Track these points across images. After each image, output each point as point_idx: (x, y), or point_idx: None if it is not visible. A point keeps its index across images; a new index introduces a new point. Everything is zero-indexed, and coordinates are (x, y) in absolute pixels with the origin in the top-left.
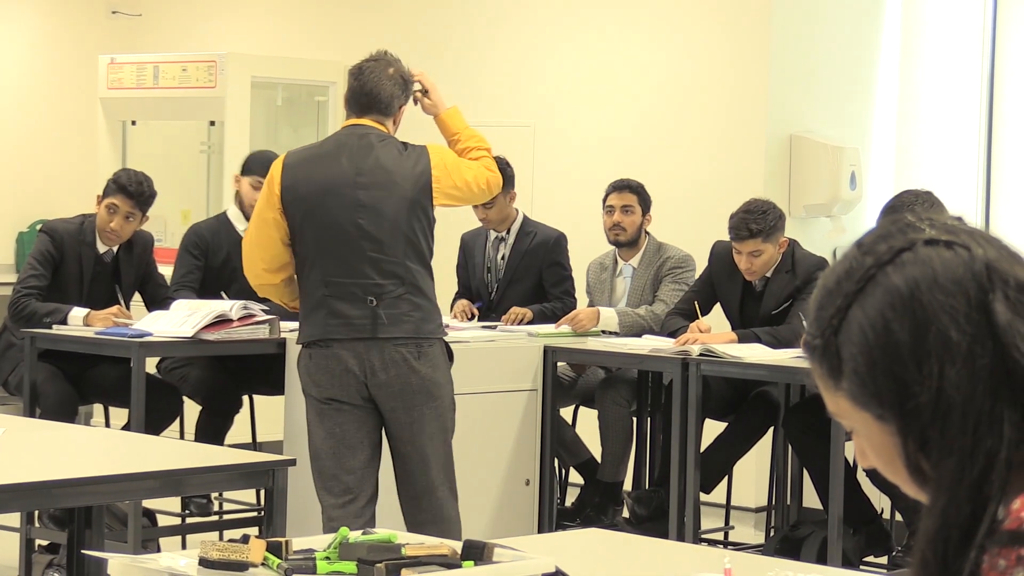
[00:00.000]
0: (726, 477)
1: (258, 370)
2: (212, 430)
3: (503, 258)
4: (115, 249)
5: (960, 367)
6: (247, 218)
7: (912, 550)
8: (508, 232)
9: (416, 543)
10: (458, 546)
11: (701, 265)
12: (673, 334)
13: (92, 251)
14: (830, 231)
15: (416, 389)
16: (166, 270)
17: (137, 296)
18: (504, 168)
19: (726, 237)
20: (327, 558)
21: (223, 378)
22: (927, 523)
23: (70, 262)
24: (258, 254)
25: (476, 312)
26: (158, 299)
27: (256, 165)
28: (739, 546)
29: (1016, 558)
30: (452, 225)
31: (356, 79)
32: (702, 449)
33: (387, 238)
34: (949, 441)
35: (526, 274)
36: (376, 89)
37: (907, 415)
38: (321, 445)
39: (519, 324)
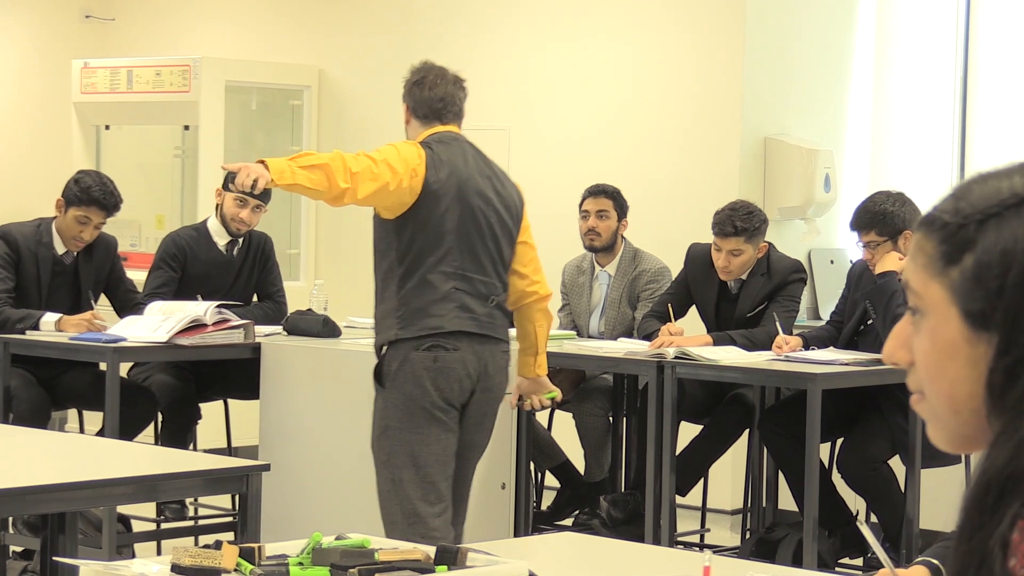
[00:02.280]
0: (702, 480)
1: (233, 375)
2: (171, 440)
3: None
4: (75, 252)
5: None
6: (229, 232)
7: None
8: None
9: (389, 548)
10: (431, 551)
11: (675, 270)
12: (648, 337)
13: (50, 253)
14: (805, 233)
15: (502, 396)
16: (140, 275)
17: (105, 301)
18: None
19: (701, 239)
20: (300, 563)
21: (185, 388)
22: (983, 464)
23: (28, 265)
24: (374, 189)
25: None
26: (128, 304)
27: None
28: (715, 549)
29: None
30: None
31: (432, 90)
32: (678, 452)
33: (503, 242)
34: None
35: None
36: (458, 97)
37: (1018, 334)
38: (426, 452)
39: None
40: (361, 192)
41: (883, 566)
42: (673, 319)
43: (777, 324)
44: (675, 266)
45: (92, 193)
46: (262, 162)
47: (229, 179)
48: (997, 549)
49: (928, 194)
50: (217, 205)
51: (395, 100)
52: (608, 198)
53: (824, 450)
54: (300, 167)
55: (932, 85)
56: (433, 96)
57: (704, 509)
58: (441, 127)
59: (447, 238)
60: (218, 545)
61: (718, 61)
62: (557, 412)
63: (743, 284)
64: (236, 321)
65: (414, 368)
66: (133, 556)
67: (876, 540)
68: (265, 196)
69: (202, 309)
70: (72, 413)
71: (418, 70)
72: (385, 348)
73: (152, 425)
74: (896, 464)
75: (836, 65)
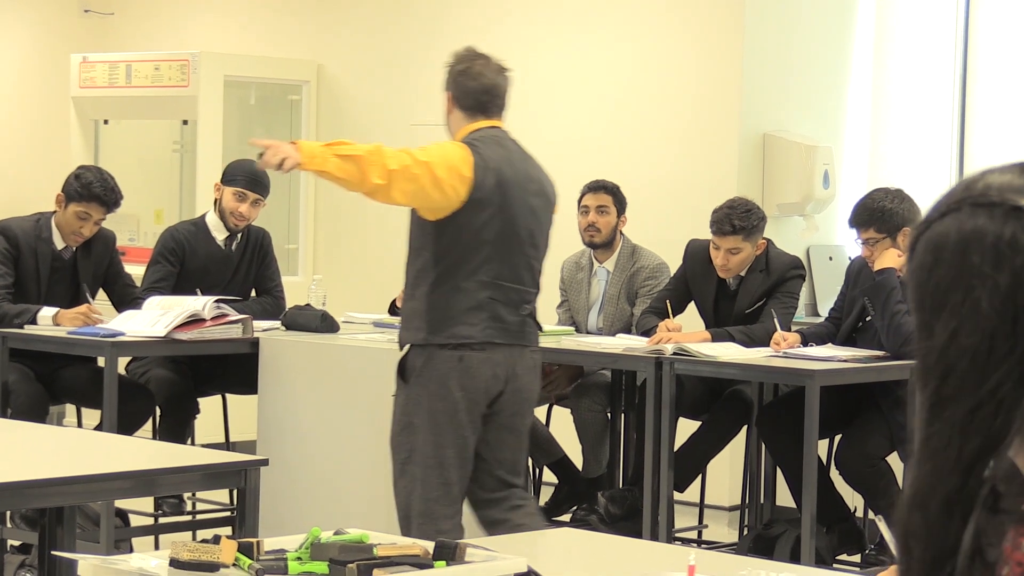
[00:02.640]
0: (700, 476)
1: (231, 370)
2: (169, 435)
3: None
4: (73, 247)
5: (979, 340)
6: (227, 227)
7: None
8: None
9: (388, 543)
10: (430, 546)
11: (674, 266)
12: (647, 333)
13: (49, 248)
14: (803, 230)
15: (535, 396)
16: (138, 269)
17: (103, 295)
18: None
19: (699, 236)
20: (299, 558)
21: (183, 383)
22: (909, 480)
23: (27, 260)
24: (410, 190)
25: None
26: (127, 299)
27: (240, 175)
28: (712, 545)
29: None
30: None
31: (477, 79)
32: (676, 448)
33: (541, 248)
34: (942, 405)
35: None
36: (504, 88)
37: (925, 337)
38: (446, 453)
39: None
40: (395, 191)
41: (882, 563)
42: (671, 315)
43: (775, 320)
44: (673, 262)
45: (93, 189)
46: (295, 143)
47: (232, 172)
48: (965, 559)
49: (927, 191)
50: (216, 199)
51: (394, 95)
52: (608, 194)
53: (822, 446)
54: (334, 155)
55: (931, 81)
56: (479, 87)
57: (702, 505)
58: (485, 122)
59: (486, 247)
60: (216, 540)
61: (717, 57)
62: (555, 408)
63: (742, 281)
64: (234, 316)
65: (439, 367)
66: (131, 550)
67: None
68: (264, 191)
69: (200, 304)
70: (70, 408)
71: (463, 57)
72: (410, 346)
73: (150, 420)
74: (894, 461)
75: (835, 61)
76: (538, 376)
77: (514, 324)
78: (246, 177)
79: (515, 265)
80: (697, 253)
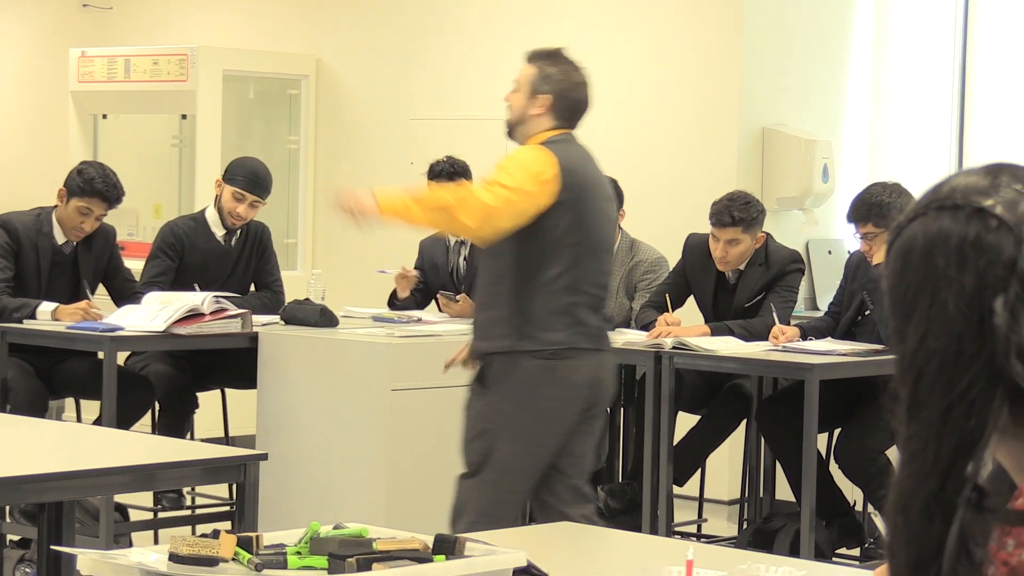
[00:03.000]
0: (699, 470)
1: (230, 364)
2: (168, 430)
3: (464, 260)
4: (74, 242)
5: (947, 342)
6: (225, 225)
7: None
8: None
9: (387, 537)
10: (429, 540)
11: (673, 260)
12: (646, 327)
13: (50, 242)
14: (803, 224)
15: (609, 403)
16: (138, 264)
17: (103, 290)
18: (465, 164)
19: (698, 230)
20: (298, 553)
21: (182, 378)
22: (895, 483)
23: (27, 254)
24: (515, 224)
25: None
26: (126, 294)
27: (241, 175)
28: (712, 539)
29: None
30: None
31: (582, 93)
32: (675, 442)
33: (611, 252)
34: (917, 408)
35: None
36: (587, 98)
37: (897, 355)
38: (526, 463)
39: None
40: (502, 227)
41: (881, 556)
42: (671, 309)
43: (775, 314)
44: (672, 256)
45: (95, 185)
46: (372, 192)
47: (233, 171)
48: (950, 561)
49: (926, 185)
50: (216, 195)
51: (393, 89)
52: None
53: (822, 440)
54: (420, 207)
55: (930, 75)
56: (580, 100)
57: (701, 499)
58: (564, 131)
59: (568, 250)
60: (216, 534)
61: (716, 52)
62: None
63: (741, 274)
64: (233, 311)
65: (526, 375)
66: (130, 545)
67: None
68: (263, 192)
69: (199, 298)
70: (69, 402)
71: (565, 66)
72: (492, 355)
73: (149, 414)
74: (894, 455)
75: (834, 56)
76: (613, 382)
77: (596, 328)
78: (246, 178)
79: (593, 268)
80: (696, 247)
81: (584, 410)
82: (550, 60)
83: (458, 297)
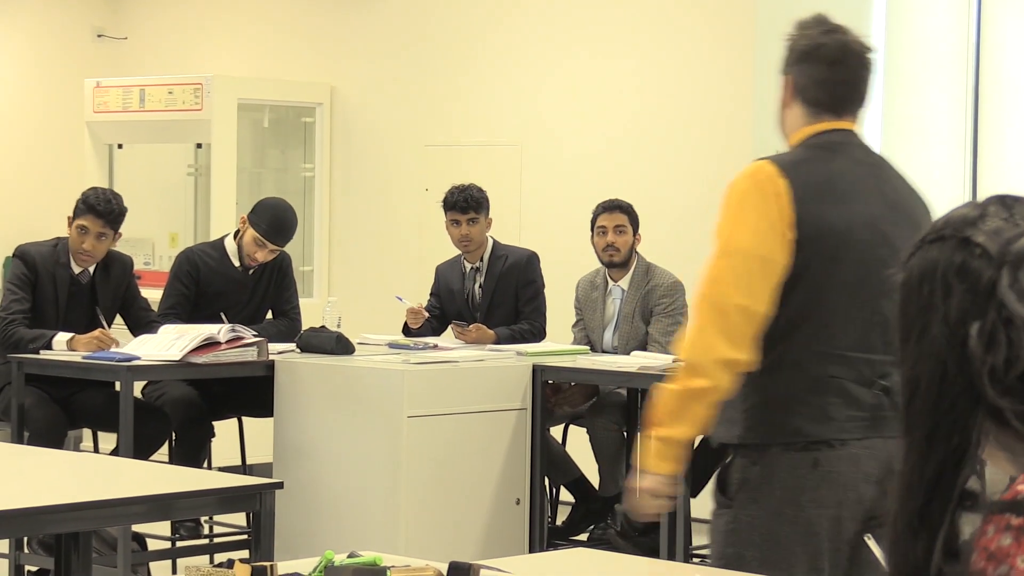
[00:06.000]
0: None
1: (246, 392)
2: (185, 459)
3: (480, 286)
4: (91, 271)
5: (933, 366)
6: (242, 261)
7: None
8: (481, 260)
9: (401, 566)
10: (443, 567)
11: (689, 285)
12: None
13: (67, 272)
14: None
15: None
16: (155, 293)
17: (120, 320)
18: (481, 191)
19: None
20: None
21: (198, 407)
22: (894, 490)
23: (45, 284)
24: (740, 312)
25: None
26: (142, 323)
27: (265, 223)
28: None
29: (1005, 525)
30: (427, 251)
31: (832, 64)
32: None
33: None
34: (909, 428)
35: (504, 296)
36: (867, 77)
37: (900, 380)
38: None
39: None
40: (744, 351)
41: None
42: None
43: None
44: (688, 281)
45: (88, 201)
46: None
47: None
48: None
49: (938, 203)
50: (239, 230)
51: (407, 116)
52: (624, 213)
53: None
54: (676, 421)
55: (943, 96)
56: (836, 77)
57: None
58: (832, 123)
59: (824, 304)
60: (230, 564)
61: (729, 75)
62: (571, 427)
63: None
64: (249, 339)
65: (783, 477)
66: (149, 575)
67: (882, 552)
68: (284, 243)
69: (215, 327)
70: (87, 432)
71: (812, 28)
72: (734, 451)
73: (167, 443)
74: None
75: None
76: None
77: (869, 407)
78: (270, 227)
79: (865, 325)
80: None
81: (867, 516)
82: (796, 29)
83: (471, 327)
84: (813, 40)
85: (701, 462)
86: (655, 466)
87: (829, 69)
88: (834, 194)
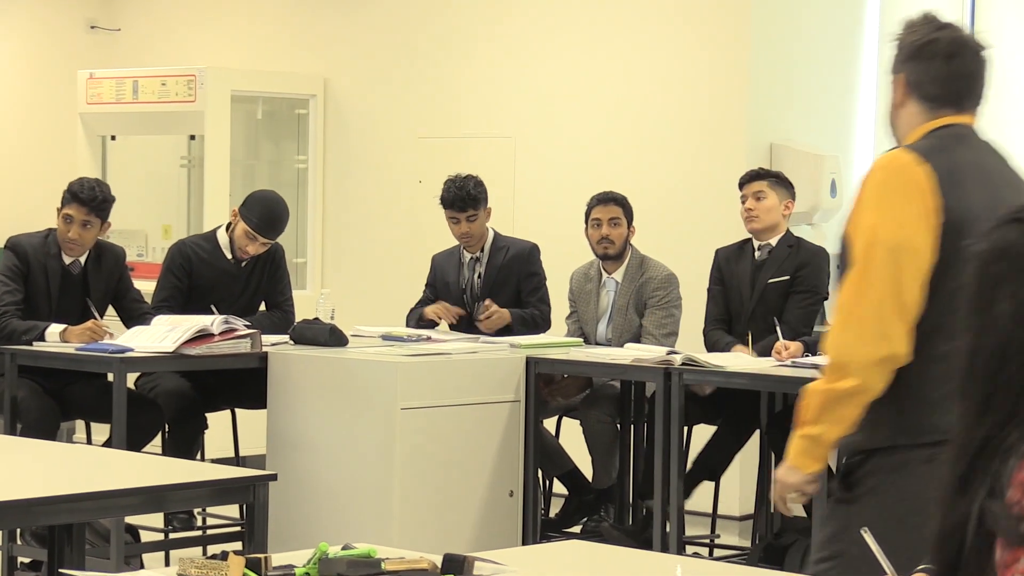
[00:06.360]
0: (712, 484)
1: (240, 384)
2: (178, 450)
3: (479, 276)
4: (83, 261)
5: (996, 339)
6: (234, 254)
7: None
8: (482, 251)
9: (395, 558)
10: (438, 559)
11: (683, 278)
12: (723, 347)
13: (58, 263)
14: (811, 239)
15: None
16: (148, 285)
17: (113, 311)
18: (478, 185)
19: (707, 246)
20: (307, 574)
21: (191, 398)
22: (950, 447)
23: (36, 275)
24: (890, 306)
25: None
26: (135, 315)
27: (256, 216)
28: (724, 554)
29: None
30: (421, 243)
31: (948, 59)
32: (696, 453)
33: None
34: (967, 385)
35: (504, 288)
36: (982, 73)
37: (960, 350)
38: None
39: (493, 323)
40: (899, 346)
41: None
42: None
43: (778, 330)
44: (681, 272)
45: (72, 189)
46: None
47: (250, 209)
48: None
49: None
50: (231, 223)
51: (401, 108)
52: (618, 205)
53: (832, 456)
54: (823, 421)
55: None
56: (953, 71)
57: (714, 515)
58: (952, 118)
59: (949, 303)
60: (224, 556)
61: (723, 67)
62: (565, 419)
63: (771, 250)
64: (242, 331)
65: (910, 478)
66: (141, 567)
67: (879, 548)
68: (275, 236)
69: (209, 319)
70: (79, 424)
71: (923, 27)
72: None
73: (160, 435)
74: None
75: (842, 71)
76: None
77: None
78: (261, 220)
79: None
80: (724, 253)
81: None
82: (905, 28)
83: (491, 306)
84: (926, 36)
85: (710, 460)
86: (801, 464)
87: (946, 63)
88: (973, 180)
